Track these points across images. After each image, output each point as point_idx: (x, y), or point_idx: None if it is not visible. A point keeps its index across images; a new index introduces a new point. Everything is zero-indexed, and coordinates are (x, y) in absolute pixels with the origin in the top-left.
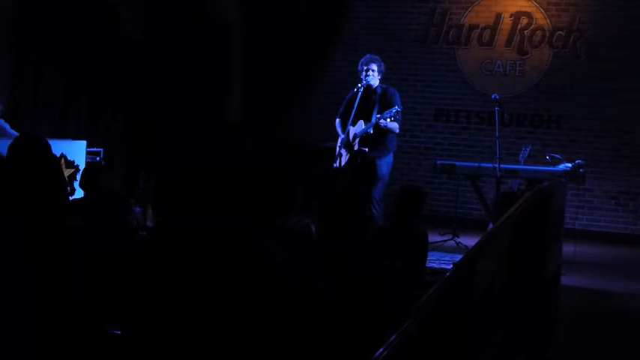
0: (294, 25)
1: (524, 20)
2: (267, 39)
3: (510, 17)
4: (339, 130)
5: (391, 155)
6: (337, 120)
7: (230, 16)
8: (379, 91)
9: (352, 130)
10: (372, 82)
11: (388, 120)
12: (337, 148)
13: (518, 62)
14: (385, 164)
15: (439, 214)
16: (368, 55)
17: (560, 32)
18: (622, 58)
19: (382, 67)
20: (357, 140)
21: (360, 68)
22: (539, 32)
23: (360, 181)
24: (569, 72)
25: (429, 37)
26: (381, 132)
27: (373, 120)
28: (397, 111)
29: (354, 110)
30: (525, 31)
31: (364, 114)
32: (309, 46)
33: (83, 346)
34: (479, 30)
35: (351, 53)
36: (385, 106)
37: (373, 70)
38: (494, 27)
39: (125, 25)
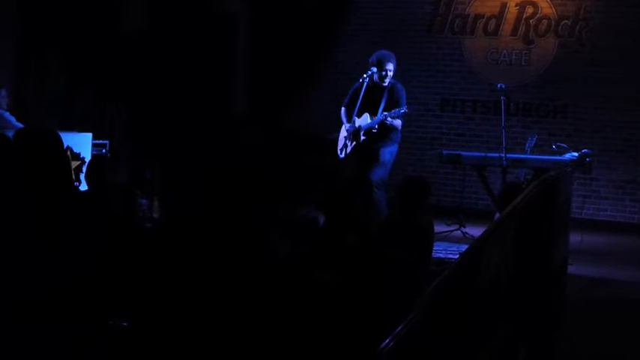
0: (300, 14)
1: (530, 9)
2: (272, 29)
3: (516, 6)
4: (344, 119)
5: (396, 146)
6: (342, 109)
7: (235, 6)
8: (387, 85)
9: (357, 122)
10: (384, 83)
11: (395, 118)
12: (342, 139)
13: (523, 52)
14: (388, 152)
15: (445, 204)
16: (385, 53)
17: (566, 21)
18: (628, 47)
19: (395, 64)
20: (361, 133)
21: (374, 62)
22: (544, 21)
23: (364, 170)
24: (575, 61)
25: (435, 27)
26: (386, 127)
27: (379, 117)
28: (405, 112)
29: (358, 102)
30: (531, 21)
31: (371, 107)
32: (314, 37)
33: (90, 338)
34: (484, 19)
35: (358, 43)
36: (392, 101)
37: (390, 70)
38: (500, 16)
39: (129, 17)
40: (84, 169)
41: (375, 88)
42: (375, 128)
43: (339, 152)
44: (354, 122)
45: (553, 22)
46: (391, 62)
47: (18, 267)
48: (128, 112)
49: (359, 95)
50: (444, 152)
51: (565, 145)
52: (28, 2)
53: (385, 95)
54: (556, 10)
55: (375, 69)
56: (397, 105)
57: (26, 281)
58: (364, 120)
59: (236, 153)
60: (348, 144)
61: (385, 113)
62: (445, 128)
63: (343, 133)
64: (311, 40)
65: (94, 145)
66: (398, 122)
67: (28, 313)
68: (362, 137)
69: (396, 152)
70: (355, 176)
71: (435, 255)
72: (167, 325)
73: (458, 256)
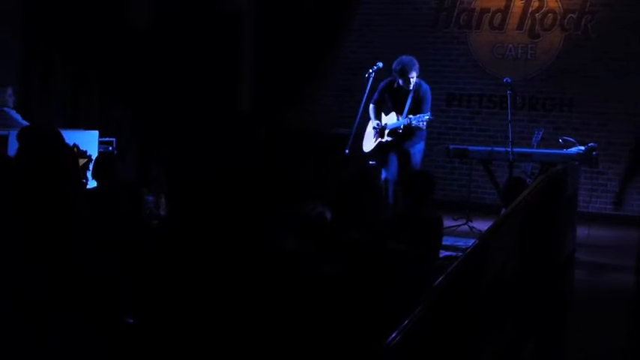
0: (305, 10)
1: (536, 3)
2: (277, 25)
3: (521, 0)
4: (372, 115)
5: (422, 142)
6: (371, 106)
7: (240, 3)
8: (413, 87)
9: (383, 120)
10: (410, 87)
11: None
12: (369, 134)
13: (529, 45)
14: (417, 152)
15: (452, 198)
16: (406, 62)
17: (572, 15)
18: (634, 40)
19: (418, 68)
20: (386, 132)
21: (397, 70)
22: (550, 15)
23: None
24: (581, 55)
25: (440, 22)
26: (410, 128)
27: (404, 120)
28: (429, 119)
29: (364, 99)
30: (536, 14)
31: (397, 106)
32: (319, 32)
33: (96, 336)
34: (490, 14)
35: (363, 39)
36: (417, 101)
37: (413, 77)
38: (506, 10)
39: (135, 16)
40: (90, 166)
41: (401, 89)
42: (400, 129)
43: (363, 146)
44: (381, 120)
45: (559, 15)
46: (414, 70)
47: (20, 264)
48: (134, 109)
49: (390, 94)
50: (451, 147)
51: (571, 139)
52: (34, 1)
53: (410, 96)
54: (562, 4)
55: (399, 73)
56: (421, 104)
57: (30, 278)
58: (391, 119)
59: (241, 150)
60: (373, 140)
61: (410, 117)
62: (451, 123)
63: (370, 128)
64: (316, 37)
65: (100, 143)
66: (422, 124)
67: (32, 309)
68: (386, 137)
69: (423, 150)
70: (363, 171)
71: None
72: (173, 322)
73: (465, 250)
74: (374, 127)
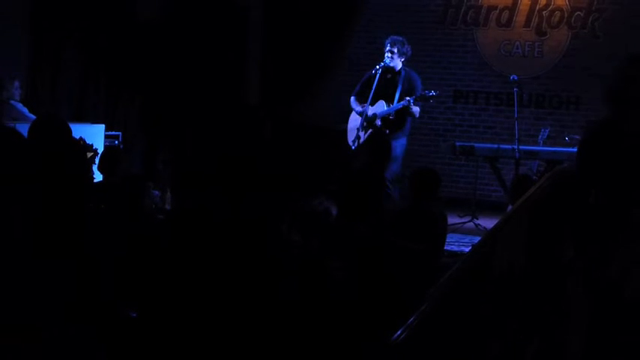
0: (313, 5)
1: (543, 1)
2: (285, 20)
3: None
4: (355, 108)
5: (405, 139)
6: (352, 98)
7: None
8: (403, 73)
9: (371, 110)
10: (391, 64)
11: (416, 104)
12: (354, 130)
13: (536, 43)
14: (400, 146)
15: (458, 195)
16: (392, 36)
17: (579, 13)
18: None
19: (405, 49)
20: (377, 120)
21: (384, 49)
22: (557, 13)
23: (376, 160)
24: (588, 53)
25: (447, 19)
26: (402, 116)
27: (401, 102)
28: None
29: (372, 90)
30: (544, 12)
31: (385, 95)
32: (327, 27)
33: (100, 328)
34: (497, 11)
35: (370, 34)
36: (407, 88)
37: (393, 52)
38: (513, 8)
39: (143, 8)
40: (97, 160)
41: (391, 77)
42: (392, 115)
43: (350, 143)
44: (367, 110)
45: (566, 13)
46: (396, 45)
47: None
48: (141, 103)
49: (371, 85)
50: (457, 144)
51: (578, 137)
52: None
53: (400, 83)
54: (569, 2)
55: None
56: (413, 92)
57: (40, 273)
58: (379, 107)
59: (249, 145)
60: (362, 134)
61: (408, 98)
62: (458, 120)
63: (354, 122)
64: (323, 33)
65: (106, 137)
66: (417, 109)
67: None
68: (378, 124)
69: (405, 145)
70: (367, 167)
71: (447, 247)
72: (177, 316)
73: (470, 247)
74: (359, 114)
